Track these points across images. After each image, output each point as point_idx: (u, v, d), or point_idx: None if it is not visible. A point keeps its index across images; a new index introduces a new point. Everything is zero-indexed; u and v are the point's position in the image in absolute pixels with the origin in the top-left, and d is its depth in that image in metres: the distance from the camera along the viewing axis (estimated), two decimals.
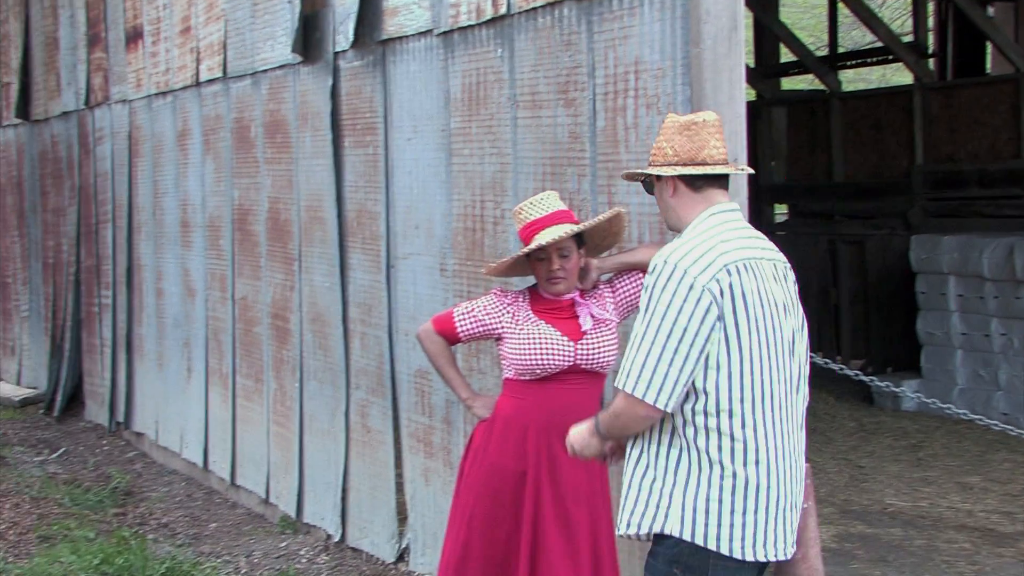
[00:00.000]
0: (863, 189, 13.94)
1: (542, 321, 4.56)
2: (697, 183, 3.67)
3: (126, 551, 7.06)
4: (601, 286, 4.72)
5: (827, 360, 6.26)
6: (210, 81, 9.16)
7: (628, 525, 3.63)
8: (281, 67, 8.02)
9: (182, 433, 10.01)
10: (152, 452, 10.74)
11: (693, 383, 3.45)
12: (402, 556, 6.91)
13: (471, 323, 4.69)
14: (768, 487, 3.48)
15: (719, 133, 3.69)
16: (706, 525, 3.46)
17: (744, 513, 3.46)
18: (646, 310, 3.47)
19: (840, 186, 14.30)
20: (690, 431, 3.48)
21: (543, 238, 4.49)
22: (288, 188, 8.02)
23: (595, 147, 5.30)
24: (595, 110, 5.29)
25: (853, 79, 23.70)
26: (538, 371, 4.51)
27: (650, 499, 3.55)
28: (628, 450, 3.67)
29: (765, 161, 14.90)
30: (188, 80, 9.51)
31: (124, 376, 11.27)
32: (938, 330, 11.43)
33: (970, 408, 9.33)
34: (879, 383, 6.52)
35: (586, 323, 4.53)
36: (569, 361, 4.49)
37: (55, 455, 10.93)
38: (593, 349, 4.51)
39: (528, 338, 4.53)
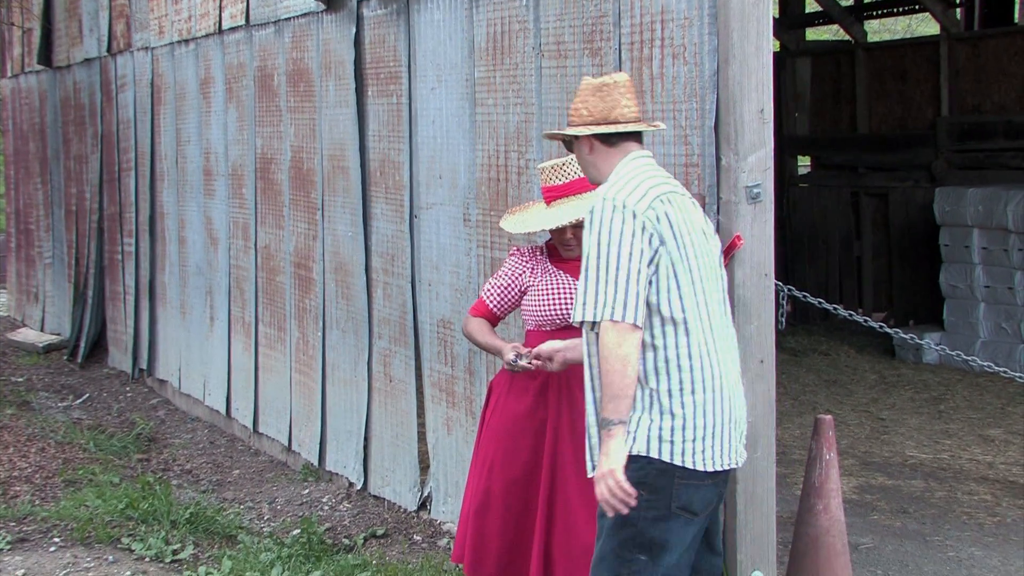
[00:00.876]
0: (887, 141, 13.84)
1: (560, 272, 4.59)
2: (612, 139, 3.96)
3: (151, 496, 7.12)
4: None
5: (851, 312, 6.25)
6: (233, 29, 9.13)
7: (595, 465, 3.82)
8: (304, 15, 7.99)
9: (205, 381, 10.08)
10: (175, 399, 10.82)
11: (648, 305, 3.71)
12: (424, 504, 6.96)
13: (497, 292, 4.73)
14: (723, 400, 3.80)
15: (630, 93, 4.00)
16: (671, 443, 3.73)
17: (705, 427, 3.76)
18: (597, 244, 3.68)
19: (864, 138, 14.20)
20: (649, 354, 3.74)
21: (553, 219, 4.55)
22: (311, 137, 8.01)
23: None
24: (620, 60, 5.25)
25: (878, 29, 23.47)
26: (557, 320, 4.53)
27: None
28: (589, 394, 3.86)
29: (789, 112, 14.80)
30: (211, 28, 9.49)
31: (147, 323, 11.33)
32: (961, 283, 11.40)
33: (992, 361, 9.32)
34: (903, 335, 6.50)
35: None
36: None
37: (79, 401, 11.03)
38: None
39: (547, 288, 4.55)
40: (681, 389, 3.73)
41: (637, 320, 3.64)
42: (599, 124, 3.94)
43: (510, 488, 4.60)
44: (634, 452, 3.74)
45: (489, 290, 4.78)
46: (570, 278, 4.57)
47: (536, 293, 4.59)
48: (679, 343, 3.73)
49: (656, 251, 3.69)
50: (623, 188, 3.76)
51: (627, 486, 3.69)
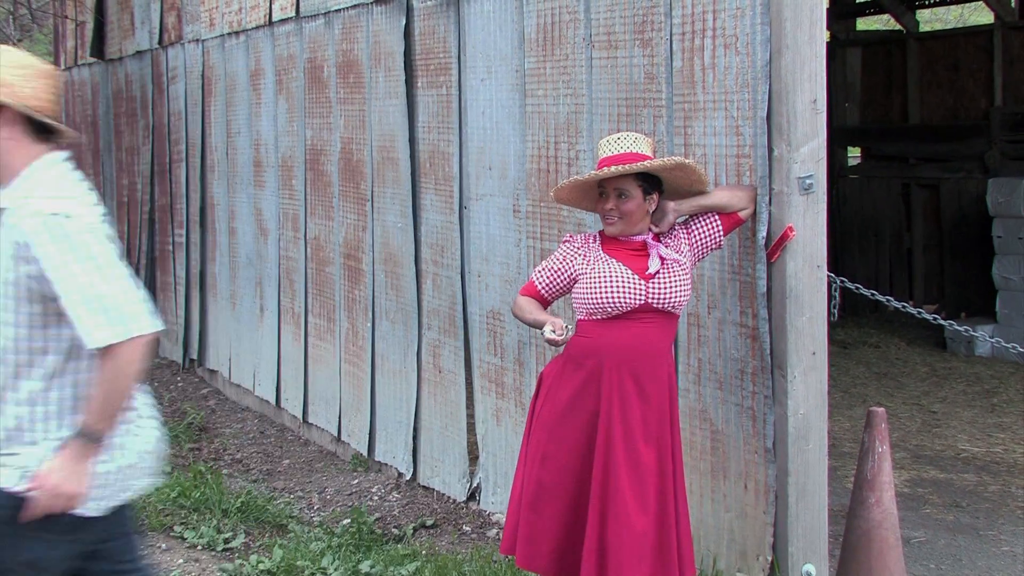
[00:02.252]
0: (939, 131, 13.70)
1: (612, 259, 4.54)
2: (43, 134, 3.49)
3: (202, 485, 7.19)
4: (677, 227, 4.69)
5: (904, 304, 6.19)
6: (283, 21, 9.17)
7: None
8: (354, 6, 8.01)
9: (255, 371, 10.14)
10: (225, 389, 10.90)
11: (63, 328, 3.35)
12: (473, 495, 6.98)
13: (548, 275, 4.69)
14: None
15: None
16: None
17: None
18: (86, 260, 3.27)
19: (915, 129, 14.06)
20: (58, 380, 3.40)
21: (598, 174, 4.50)
22: (361, 128, 8.04)
23: (671, 88, 5.25)
24: (672, 50, 5.23)
25: (930, 19, 23.25)
26: (609, 308, 4.48)
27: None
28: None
29: (839, 103, 14.69)
30: (261, 20, 9.53)
31: (197, 314, 11.42)
32: (1014, 275, 11.28)
33: None
34: (957, 327, 6.44)
35: (653, 264, 4.51)
36: (640, 299, 4.47)
37: None
38: (664, 288, 4.49)
39: (599, 276, 4.50)
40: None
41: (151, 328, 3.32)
42: (39, 112, 3.43)
43: (563, 478, 4.58)
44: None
45: (540, 272, 4.73)
46: (621, 265, 4.52)
47: (586, 281, 4.55)
48: (80, 368, 3.40)
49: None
50: (71, 200, 3.35)
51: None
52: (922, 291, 13.87)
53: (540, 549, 4.59)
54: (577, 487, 4.56)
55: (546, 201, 6.09)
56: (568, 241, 4.72)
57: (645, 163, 4.50)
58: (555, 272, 4.68)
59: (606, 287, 4.48)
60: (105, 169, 14.32)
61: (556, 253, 4.74)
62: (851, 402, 9.42)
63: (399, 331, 7.68)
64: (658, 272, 4.51)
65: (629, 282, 4.48)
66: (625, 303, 4.47)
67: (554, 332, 4.46)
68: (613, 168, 4.48)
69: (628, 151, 4.52)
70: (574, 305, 4.69)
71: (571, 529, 4.56)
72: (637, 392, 4.50)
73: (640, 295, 4.47)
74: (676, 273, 4.53)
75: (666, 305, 4.50)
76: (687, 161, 4.53)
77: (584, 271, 4.57)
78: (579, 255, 4.62)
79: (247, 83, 9.99)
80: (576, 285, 4.61)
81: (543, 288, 4.72)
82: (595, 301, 4.50)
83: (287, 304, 9.46)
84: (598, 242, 4.65)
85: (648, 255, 4.55)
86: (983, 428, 8.64)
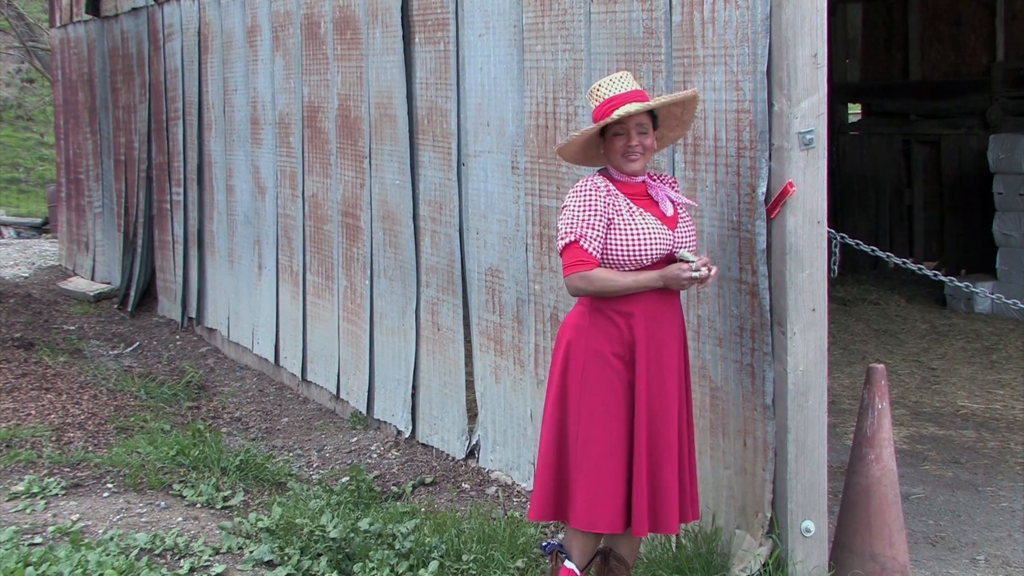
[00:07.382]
0: (940, 87, 13.63)
1: (644, 210, 4.44)
2: None
3: (201, 443, 7.18)
4: (670, 183, 4.64)
5: (904, 260, 6.16)
6: None
7: None
8: None
9: (253, 329, 10.13)
10: (224, 347, 10.89)
11: None
12: (472, 452, 6.97)
13: (599, 239, 4.40)
14: None
15: None
16: None
17: None
18: None
19: (916, 85, 13.99)
20: None
21: (625, 110, 4.35)
22: (358, 85, 7.98)
23: (671, 42, 5.20)
24: (671, 4, 5.18)
25: None
26: (645, 261, 4.39)
27: None
28: None
29: (839, 59, 14.59)
30: None
31: (196, 272, 11.40)
32: (1015, 231, 11.25)
33: None
34: (957, 283, 6.41)
35: (668, 208, 4.46)
36: (668, 248, 4.42)
37: (130, 349, 11.13)
38: (685, 235, 4.46)
39: (639, 228, 4.35)
40: None
41: None
42: None
43: (621, 433, 4.44)
44: None
45: (588, 240, 4.38)
46: (652, 216, 4.41)
47: (625, 232, 4.38)
48: None
49: None
50: None
51: None
52: (922, 248, 13.85)
53: (604, 509, 4.47)
54: (629, 441, 4.47)
55: (544, 157, 6.05)
56: (593, 189, 4.43)
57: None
58: (601, 235, 4.40)
59: (647, 239, 4.35)
60: (102, 127, 14.25)
61: (587, 205, 4.41)
62: (851, 359, 9.41)
63: (397, 289, 7.66)
64: (677, 217, 4.47)
65: (661, 233, 4.40)
66: (658, 253, 4.40)
67: (697, 271, 4.36)
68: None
69: (634, 88, 4.45)
70: (603, 255, 4.43)
71: (628, 483, 4.49)
72: (664, 340, 4.47)
73: (668, 244, 4.41)
74: (687, 217, 4.50)
75: (685, 250, 4.45)
76: (696, 92, 4.56)
77: (617, 221, 4.40)
78: (609, 199, 4.41)
79: (244, 40, 9.92)
80: (612, 236, 4.40)
81: (596, 249, 4.39)
82: (636, 254, 4.35)
83: (285, 262, 9.44)
84: (614, 187, 4.46)
85: (657, 200, 4.48)
86: (982, 385, 8.64)
